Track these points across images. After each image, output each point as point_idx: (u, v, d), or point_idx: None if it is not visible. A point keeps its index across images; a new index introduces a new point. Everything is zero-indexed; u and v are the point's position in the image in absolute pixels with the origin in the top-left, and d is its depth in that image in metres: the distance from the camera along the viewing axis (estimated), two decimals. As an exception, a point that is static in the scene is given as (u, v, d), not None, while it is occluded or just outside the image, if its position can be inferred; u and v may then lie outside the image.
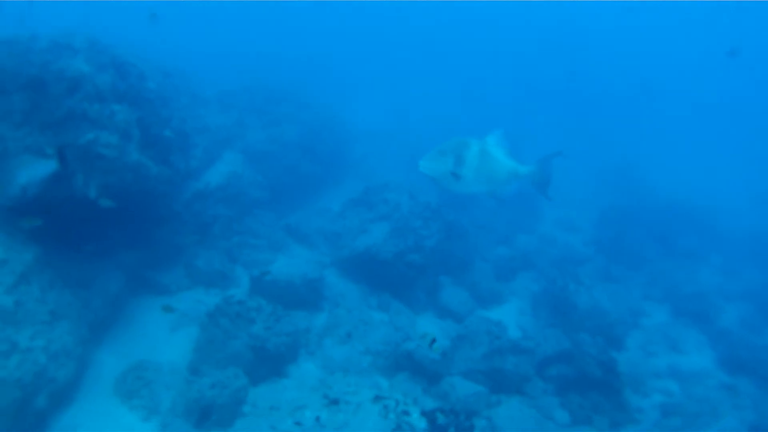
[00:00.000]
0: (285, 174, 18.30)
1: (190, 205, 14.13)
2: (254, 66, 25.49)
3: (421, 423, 9.01)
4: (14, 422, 8.82)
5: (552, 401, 11.81)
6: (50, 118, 9.89)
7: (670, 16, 58.71)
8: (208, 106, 18.39)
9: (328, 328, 12.56)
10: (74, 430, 9.63)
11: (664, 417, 12.03)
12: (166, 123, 12.22)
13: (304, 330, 12.28)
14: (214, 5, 51.11)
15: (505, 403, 11.25)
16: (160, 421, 9.95)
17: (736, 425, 11.52)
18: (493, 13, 58.86)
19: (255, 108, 19.67)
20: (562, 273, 16.92)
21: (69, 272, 11.07)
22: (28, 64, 9.97)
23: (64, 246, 11.19)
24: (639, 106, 42.93)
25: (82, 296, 11.08)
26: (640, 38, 58.58)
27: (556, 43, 51.89)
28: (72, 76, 10.10)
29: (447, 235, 15.71)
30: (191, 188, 14.38)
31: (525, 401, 11.58)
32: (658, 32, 59.60)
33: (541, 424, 11.02)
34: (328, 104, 22.87)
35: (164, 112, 12.24)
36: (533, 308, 15.88)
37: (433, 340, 8.77)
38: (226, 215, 15.17)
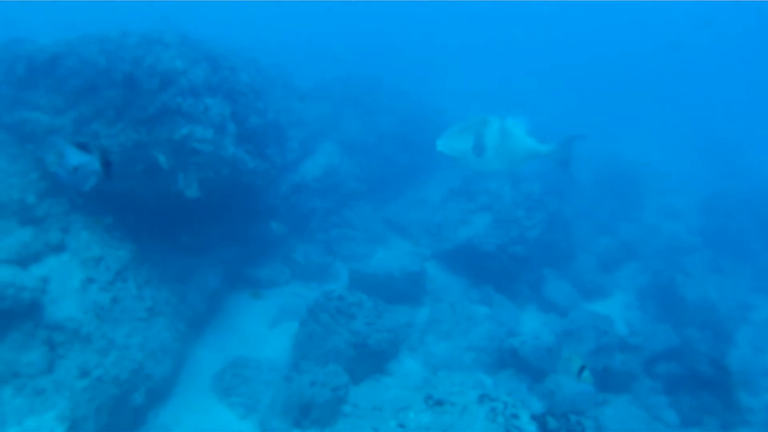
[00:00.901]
0: (382, 164, 17.78)
1: (288, 198, 13.84)
2: (347, 56, 25.01)
3: (531, 427, 8.35)
4: (112, 419, 8.66)
5: (660, 401, 10.98)
6: (144, 114, 9.65)
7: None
8: (303, 98, 18.04)
9: (430, 324, 12.01)
10: (172, 426, 9.43)
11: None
12: (261, 116, 11.89)
13: (406, 325, 11.77)
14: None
15: (613, 403, 10.59)
16: (258, 419, 9.68)
17: None
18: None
19: (350, 99, 19.22)
20: (669, 264, 15.91)
21: (166, 268, 10.90)
22: (120, 60, 9.76)
23: (161, 241, 11.04)
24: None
25: (179, 292, 10.90)
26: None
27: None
28: (164, 71, 9.84)
29: (550, 225, 14.93)
30: (288, 181, 14.09)
31: (633, 401, 10.87)
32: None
33: (650, 425, 10.29)
34: (422, 92, 22.19)
35: (259, 104, 11.91)
36: (639, 301, 14.92)
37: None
38: (323, 207, 14.82)
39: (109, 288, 9.44)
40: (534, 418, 8.52)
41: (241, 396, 9.97)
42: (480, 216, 14.91)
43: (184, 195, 9.86)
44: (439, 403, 8.95)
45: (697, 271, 15.52)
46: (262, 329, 11.74)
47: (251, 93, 11.71)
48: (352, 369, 10.25)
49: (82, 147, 5.34)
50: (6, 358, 8.03)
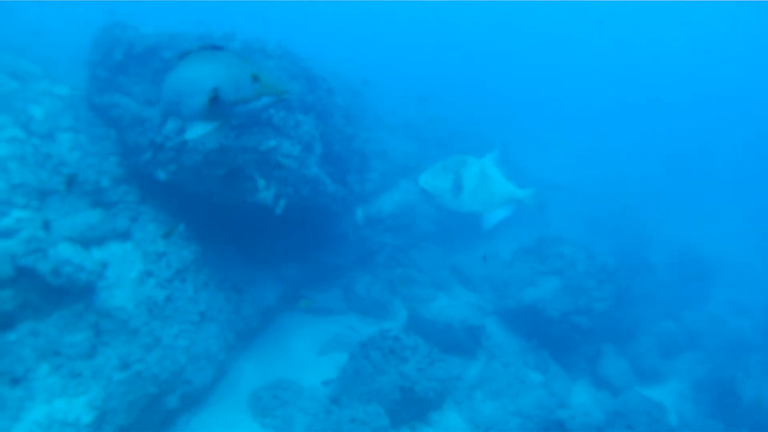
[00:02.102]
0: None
1: (359, 228, 13.39)
2: (439, 94, 24.66)
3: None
4: (142, 417, 8.36)
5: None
6: (235, 120, 9.36)
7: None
8: (390, 131, 17.69)
9: (480, 380, 11.41)
10: (200, 435, 9.04)
11: None
12: (349, 141, 11.57)
13: (456, 377, 11.19)
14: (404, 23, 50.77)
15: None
16: (289, 445, 9.17)
17: None
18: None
19: (437, 141, 18.83)
20: (730, 360, 14.94)
21: (226, 275, 10.60)
22: (220, 62, 9.52)
23: (226, 248, 10.76)
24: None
25: (234, 301, 10.57)
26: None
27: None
28: (261, 80, 9.55)
29: (617, 301, 14.17)
30: (363, 212, 13.67)
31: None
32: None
33: None
34: (508, 144, 21.64)
35: (348, 130, 11.60)
36: (695, 393, 13.99)
37: None
38: (393, 245, 14.38)
39: (167, 285, 9.18)
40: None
41: (275, 419, 9.55)
42: (549, 279, 14.26)
43: (268, 209, 9.54)
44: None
45: (758, 372, 14.56)
46: (310, 355, 11.30)
47: (343, 117, 11.42)
48: (393, 412, 9.80)
49: None
50: (49, 335, 7.77)
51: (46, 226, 8.11)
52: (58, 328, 7.90)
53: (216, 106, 3.05)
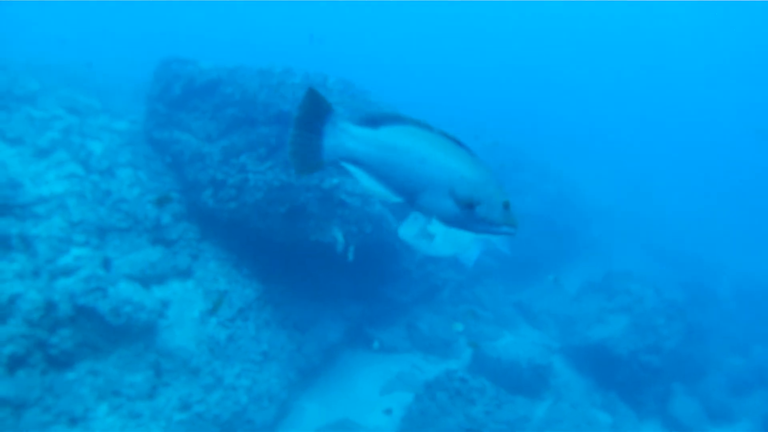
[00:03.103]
0: (520, 246, 16.51)
1: (423, 265, 12.82)
2: (493, 122, 24.06)
3: None
4: (203, 459, 7.87)
5: None
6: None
7: None
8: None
9: (547, 422, 10.68)
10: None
11: None
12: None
13: (522, 418, 10.48)
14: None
15: None
16: (352, 488, 8.63)
17: None
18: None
19: (497, 173, 18.12)
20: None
21: (288, 313, 10.16)
22: (281, 97, 9.21)
23: (288, 286, 10.31)
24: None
25: (296, 340, 10.10)
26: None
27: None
28: (323, 117, 9.15)
29: (687, 337, 13.35)
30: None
31: None
32: None
33: None
34: (566, 174, 20.85)
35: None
36: (765, 433, 13.07)
37: None
38: (456, 280, 13.73)
39: (229, 325, 8.78)
40: None
41: (339, 460, 8.98)
42: (617, 317, 13.48)
43: (339, 255, 9.11)
44: None
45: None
46: (373, 394, 10.72)
47: (408, 152, 10.92)
48: (459, 455, 9.07)
49: None
50: (109, 374, 7.40)
51: (106, 264, 7.79)
52: (118, 367, 7.53)
53: (464, 212, 2.65)
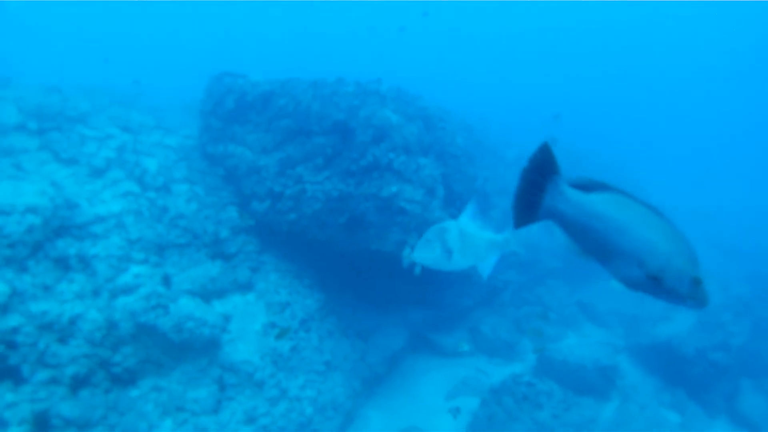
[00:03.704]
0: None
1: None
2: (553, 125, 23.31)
3: None
4: (269, 472, 7.57)
5: None
6: (353, 166, 8.67)
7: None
8: (508, 166, 16.56)
9: (616, 424, 10.09)
10: (329, 488, 8.23)
11: None
12: (470, 182, 10.63)
13: (590, 420, 9.95)
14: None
15: None
16: (421, 497, 8.23)
17: None
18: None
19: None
20: None
21: (350, 322, 9.83)
22: (335, 107, 8.87)
23: (349, 294, 9.98)
24: None
25: (359, 349, 9.75)
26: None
27: None
28: (380, 124, 8.84)
29: (755, 333, 12.57)
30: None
31: None
32: None
33: None
34: (628, 172, 20.04)
35: (470, 170, 10.67)
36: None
37: None
38: (517, 282, 13.23)
39: (291, 336, 8.47)
40: None
41: (407, 469, 8.61)
42: (683, 314, 12.78)
43: (405, 270, 8.75)
44: None
45: None
46: (438, 400, 10.29)
47: (464, 157, 10.51)
48: (528, 461, 8.62)
49: None
50: (173, 390, 7.14)
51: (166, 280, 7.56)
52: (182, 383, 7.28)
53: (650, 282, 2.58)
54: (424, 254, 4.69)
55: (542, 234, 14.43)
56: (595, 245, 2.69)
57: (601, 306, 14.27)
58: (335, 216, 8.69)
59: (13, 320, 6.21)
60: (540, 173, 2.62)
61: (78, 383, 6.46)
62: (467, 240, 4.72)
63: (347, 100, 8.96)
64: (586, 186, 2.72)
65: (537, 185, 2.64)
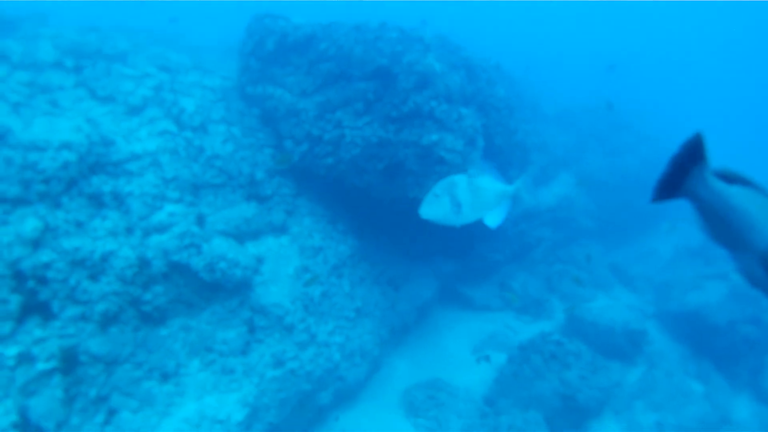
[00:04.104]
0: (618, 206, 15.39)
1: (518, 223, 12.01)
2: (595, 84, 22.46)
3: None
4: (293, 414, 7.50)
5: None
6: (394, 113, 8.30)
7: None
8: (547, 122, 16.03)
9: (641, 390, 9.81)
10: (351, 432, 8.14)
11: None
12: (511, 135, 10.22)
13: (615, 384, 9.70)
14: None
15: None
16: (441, 449, 8.02)
17: None
18: None
19: (595, 132, 16.83)
20: None
21: (382, 270, 9.59)
22: (378, 52, 8.46)
23: (384, 242, 9.70)
24: None
25: (390, 297, 9.53)
26: None
27: None
28: (423, 71, 8.42)
29: (787, 307, 12.13)
30: (521, 205, 12.24)
31: None
32: None
33: None
34: (663, 140, 19.25)
35: (510, 123, 10.24)
36: None
37: None
38: (551, 239, 12.87)
39: (323, 281, 8.23)
40: None
41: (429, 420, 8.42)
42: (715, 284, 12.28)
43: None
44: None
45: None
46: (464, 353, 10.09)
47: (505, 109, 10.06)
48: (551, 420, 8.48)
49: None
50: (202, 331, 6.98)
51: (200, 220, 7.32)
52: (211, 324, 7.11)
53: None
54: (432, 210, 4.63)
55: (578, 192, 14.02)
56: (727, 236, 2.57)
57: (633, 269, 13.88)
58: (374, 162, 8.36)
59: (44, 256, 6.03)
60: (688, 158, 2.54)
61: (107, 320, 6.30)
62: (477, 193, 4.65)
63: (390, 46, 8.54)
64: (731, 177, 2.59)
65: (683, 169, 2.57)
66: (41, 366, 5.71)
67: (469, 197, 4.62)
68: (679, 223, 15.30)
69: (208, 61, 10.28)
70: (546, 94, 18.24)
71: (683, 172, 2.60)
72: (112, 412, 6.17)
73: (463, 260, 11.10)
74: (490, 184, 4.75)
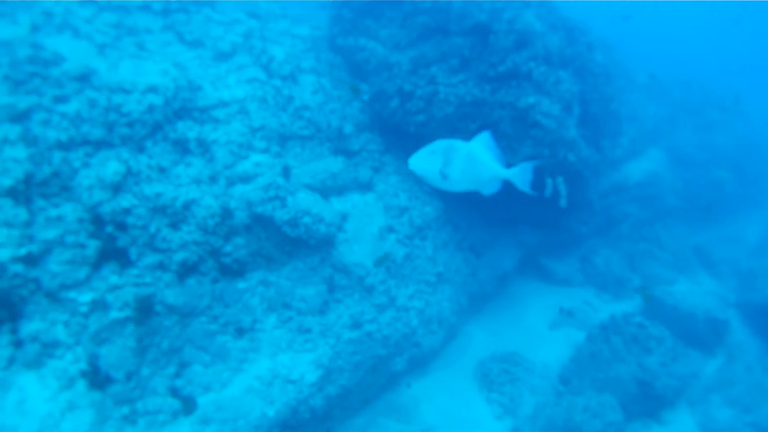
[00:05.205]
0: (706, 185, 14.12)
1: (605, 196, 11.07)
2: (689, 56, 20.91)
3: None
4: (365, 378, 6.96)
5: None
6: (491, 71, 7.54)
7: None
8: (638, 91, 14.80)
9: (718, 383, 8.88)
10: (422, 401, 7.58)
11: None
12: (606, 103, 9.29)
13: (693, 374, 8.85)
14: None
15: None
16: (512, 425, 7.49)
17: None
18: None
19: (687, 107, 15.49)
20: None
21: (466, 236, 8.88)
22: (477, 8, 7.64)
23: (469, 208, 8.97)
24: None
25: (472, 264, 8.84)
26: None
27: None
28: (522, 29, 7.58)
29: None
30: (609, 178, 11.27)
31: None
32: None
33: None
34: (756, 117, 17.65)
35: (607, 90, 9.29)
36: None
37: None
38: (637, 216, 11.88)
39: (407, 243, 7.60)
40: None
41: (503, 395, 7.80)
42: (804, 276, 11.20)
43: (546, 199, 7.69)
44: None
45: None
46: (542, 327, 9.34)
47: (602, 75, 9.11)
48: (626, 405, 7.76)
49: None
50: (281, 286, 6.45)
51: (286, 172, 6.73)
52: (291, 280, 6.56)
53: None
54: (422, 164, 4.35)
55: (666, 169, 12.95)
56: None
57: (717, 253, 12.74)
58: (466, 122, 7.61)
59: (125, 201, 5.52)
60: None
61: (186, 270, 5.79)
62: (472, 164, 4.39)
63: (491, 1, 7.70)
64: None
65: None
66: (115, 314, 5.27)
67: (461, 166, 4.36)
68: (739, 231, 14.10)
69: (297, 10, 9.63)
70: (636, 60, 16.90)
71: None
72: (183, 365, 5.72)
73: (547, 230, 10.25)
74: (487, 161, 4.44)
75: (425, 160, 4.32)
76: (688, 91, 16.06)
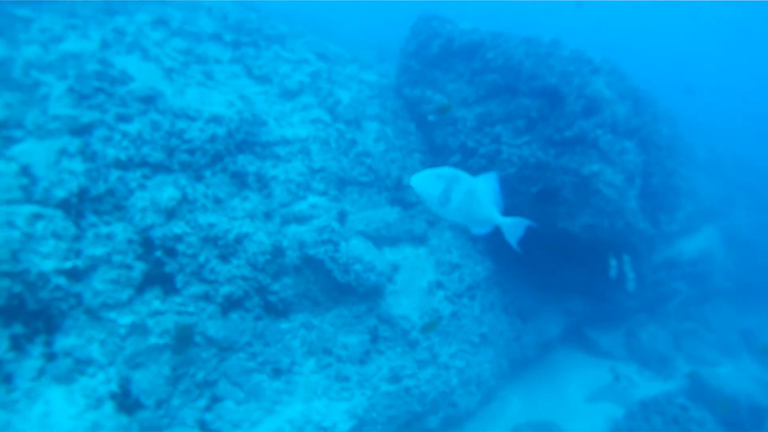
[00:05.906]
0: (760, 269, 13.44)
1: (656, 271, 10.52)
2: (751, 133, 20.14)
3: None
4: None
5: None
6: (557, 136, 7.20)
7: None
8: (698, 166, 14.22)
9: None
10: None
11: None
12: (668, 176, 8.87)
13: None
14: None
15: None
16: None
17: None
18: None
19: (744, 185, 14.93)
20: None
21: (513, 299, 8.44)
22: (548, 70, 7.35)
23: (518, 269, 8.56)
24: None
25: (517, 328, 8.39)
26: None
27: None
28: (592, 96, 7.26)
29: None
30: (662, 253, 10.73)
31: None
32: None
33: None
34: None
35: (670, 163, 8.88)
36: None
37: None
38: (685, 294, 11.26)
39: (455, 300, 7.21)
40: None
41: (535, 465, 7.25)
42: None
43: (612, 280, 7.42)
44: None
45: None
46: (579, 400, 8.77)
47: (666, 149, 8.71)
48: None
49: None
50: (324, 331, 6.10)
51: (342, 217, 6.44)
52: (334, 326, 6.21)
53: None
54: (423, 185, 4.16)
55: (720, 248, 12.34)
56: None
57: (764, 338, 12.06)
58: (527, 184, 7.26)
59: (177, 227, 5.29)
60: None
61: (230, 304, 5.50)
62: (470, 200, 4.18)
63: (562, 65, 7.38)
64: None
65: None
66: (153, 340, 4.99)
67: (460, 199, 4.16)
68: None
69: (365, 57, 9.52)
70: (696, 133, 16.28)
71: None
72: (215, 399, 5.38)
73: (594, 301, 9.77)
74: (486, 202, 4.23)
75: (428, 182, 4.15)
76: (743, 168, 15.45)
